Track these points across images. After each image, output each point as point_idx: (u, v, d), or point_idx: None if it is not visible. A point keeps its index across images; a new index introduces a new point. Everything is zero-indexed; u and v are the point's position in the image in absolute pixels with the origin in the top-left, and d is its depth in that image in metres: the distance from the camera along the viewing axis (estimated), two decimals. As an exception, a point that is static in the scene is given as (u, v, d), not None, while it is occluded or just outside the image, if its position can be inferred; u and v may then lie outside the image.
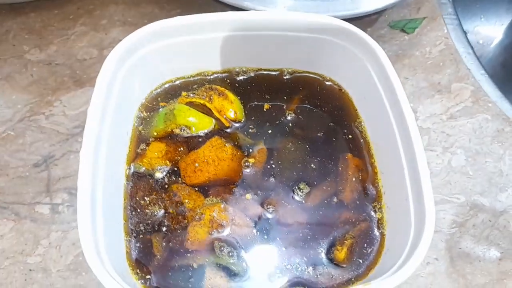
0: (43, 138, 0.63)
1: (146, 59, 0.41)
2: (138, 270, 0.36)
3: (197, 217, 0.38)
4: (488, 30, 0.95)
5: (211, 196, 0.40)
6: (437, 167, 0.63)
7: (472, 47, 0.73)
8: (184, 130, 0.44)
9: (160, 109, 0.45)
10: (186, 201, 0.39)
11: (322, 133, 0.45)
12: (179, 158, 0.42)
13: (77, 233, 0.57)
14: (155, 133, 0.44)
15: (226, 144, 0.42)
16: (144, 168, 0.41)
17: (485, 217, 0.59)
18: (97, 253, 0.29)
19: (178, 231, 0.38)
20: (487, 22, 0.95)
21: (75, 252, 0.55)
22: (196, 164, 0.41)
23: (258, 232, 0.39)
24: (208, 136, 0.44)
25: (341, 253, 0.37)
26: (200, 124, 0.44)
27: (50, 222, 0.57)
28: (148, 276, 0.36)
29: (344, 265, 0.37)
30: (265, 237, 0.39)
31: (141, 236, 0.37)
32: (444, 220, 0.58)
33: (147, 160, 0.41)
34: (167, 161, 0.42)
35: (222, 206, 0.39)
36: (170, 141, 0.43)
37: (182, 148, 0.43)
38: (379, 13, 0.74)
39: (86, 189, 0.30)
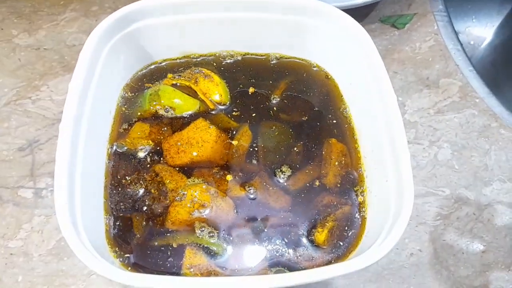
0: (28, 122, 0.63)
1: (131, 38, 0.41)
2: (117, 248, 0.36)
3: (178, 197, 0.38)
4: (479, 31, 0.95)
5: (193, 178, 0.40)
6: (423, 160, 0.63)
7: (461, 44, 0.74)
8: (168, 111, 0.43)
9: (145, 90, 0.45)
10: (168, 181, 0.39)
11: (306, 118, 0.45)
12: (162, 139, 0.42)
13: (60, 217, 0.56)
14: (139, 114, 0.44)
15: (211, 126, 0.42)
16: (126, 148, 0.41)
17: (470, 210, 0.60)
18: (75, 228, 0.29)
19: (159, 210, 0.38)
20: (479, 23, 0.96)
21: (57, 237, 0.54)
22: (179, 145, 0.40)
23: (240, 213, 0.39)
24: (193, 118, 0.43)
25: (321, 235, 0.36)
26: (184, 106, 0.44)
27: (33, 206, 0.56)
28: (127, 255, 0.36)
29: (325, 247, 0.37)
30: (246, 218, 0.39)
31: (121, 215, 0.37)
32: (428, 213, 0.59)
33: (130, 140, 0.41)
34: (150, 141, 0.41)
35: (204, 187, 0.38)
36: (154, 122, 0.43)
37: (166, 129, 0.42)
38: (370, 7, 0.75)
39: (64, 163, 0.30)
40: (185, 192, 0.38)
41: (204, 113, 0.44)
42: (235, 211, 0.38)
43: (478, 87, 0.69)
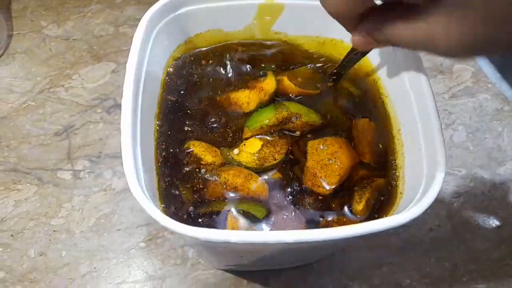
0: (63, 109, 0.66)
1: (173, 24, 0.43)
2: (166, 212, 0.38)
3: (213, 177, 0.40)
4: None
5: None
6: (439, 142, 0.66)
7: (472, 32, 0.76)
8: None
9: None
10: (204, 156, 0.41)
11: (338, 98, 0.47)
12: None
13: (99, 197, 0.59)
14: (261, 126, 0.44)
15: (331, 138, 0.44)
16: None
17: (485, 188, 0.62)
18: (143, 192, 0.32)
19: (201, 183, 0.40)
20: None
21: (97, 214, 0.57)
22: (318, 171, 0.41)
23: (276, 187, 0.41)
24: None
25: (359, 205, 0.39)
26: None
27: (72, 187, 0.59)
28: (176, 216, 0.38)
29: (362, 217, 0.39)
30: (284, 190, 0.41)
31: (170, 186, 0.40)
32: (446, 191, 0.62)
33: (245, 154, 0.42)
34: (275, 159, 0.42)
35: (237, 170, 0.40)
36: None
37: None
38: (385, -3, 0.77)
39: (128, 134, 0.33)
40: (219, 174, 0.40)
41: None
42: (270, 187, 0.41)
43: (490, 72, 0.72)
